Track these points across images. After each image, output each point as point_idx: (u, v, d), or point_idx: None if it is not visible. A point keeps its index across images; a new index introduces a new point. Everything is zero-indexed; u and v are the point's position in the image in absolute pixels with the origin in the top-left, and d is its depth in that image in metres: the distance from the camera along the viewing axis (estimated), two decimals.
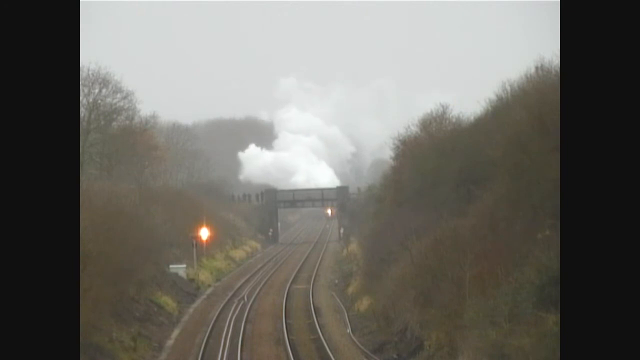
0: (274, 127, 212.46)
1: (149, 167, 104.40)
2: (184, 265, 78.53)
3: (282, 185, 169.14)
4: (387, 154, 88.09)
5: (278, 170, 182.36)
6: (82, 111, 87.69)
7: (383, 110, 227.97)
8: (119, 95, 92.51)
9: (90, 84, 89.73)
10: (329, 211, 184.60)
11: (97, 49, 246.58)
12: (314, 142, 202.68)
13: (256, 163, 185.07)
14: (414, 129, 73.20)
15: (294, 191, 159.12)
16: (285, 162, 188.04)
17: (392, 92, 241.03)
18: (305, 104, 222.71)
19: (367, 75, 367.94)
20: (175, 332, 54.57)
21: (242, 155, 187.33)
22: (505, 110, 49.75)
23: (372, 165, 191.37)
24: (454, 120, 69.56)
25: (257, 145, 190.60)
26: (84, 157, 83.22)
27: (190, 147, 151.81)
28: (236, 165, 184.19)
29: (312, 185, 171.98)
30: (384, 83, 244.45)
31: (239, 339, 49.05)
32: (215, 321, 57.05)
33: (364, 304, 59.36)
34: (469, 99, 75.56)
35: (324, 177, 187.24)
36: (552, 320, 29.18)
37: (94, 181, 70.59)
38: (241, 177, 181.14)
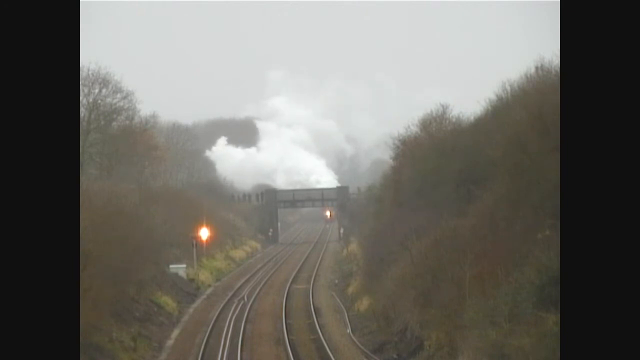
0: (262, 120, 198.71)
1: (149, 167, 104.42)
2: (184, 265, 78.53)
3: (262, 186, 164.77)
4: (384, 152, 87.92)
5: (250, 171, 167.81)
6: (82, 111, 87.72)
7: (382, 109, 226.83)
8: (119, 95, 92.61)
9: (90, 84, 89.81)
10: (327, 213, 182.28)
11: (97, 49, 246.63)
12: (300, 134, 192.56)
13: (231, 162, 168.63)
14: (414, 129, 73.23)
15: (294, 191, 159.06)
16: (259, 161, 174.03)
17: (392, 92, 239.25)
18: (301, 101, 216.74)
19: (367, 75, 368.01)
20: (175, 332, 54.57)
21: (211, 154, 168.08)
22: (505, 110, 49.76)
23: (372, 164, 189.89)
24: (454, 120, 69.58)
25: (228, 142, 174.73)
26: (84, 157, 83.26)
27: (190, 147, 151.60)
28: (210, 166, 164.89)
29: (296, 184, 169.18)
30: (383, 81, 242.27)
31: (239, 339, 49.06)
32: (215, 321, 57.05)
33: (364, 304, 59.36)
34: (469, 99, 75.52)
35: (307, 164, 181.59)
36: (552, 320, 29.19)
37: (94, 181, 70.60)
38: (222, 179, 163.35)
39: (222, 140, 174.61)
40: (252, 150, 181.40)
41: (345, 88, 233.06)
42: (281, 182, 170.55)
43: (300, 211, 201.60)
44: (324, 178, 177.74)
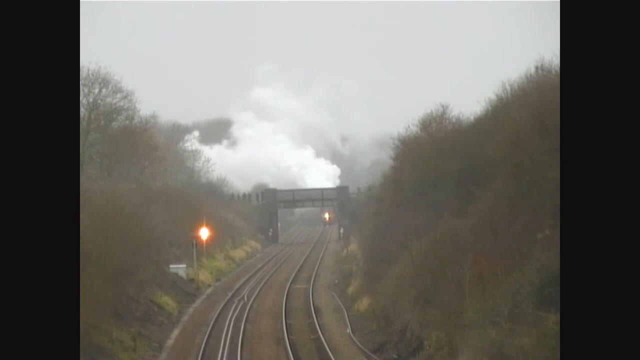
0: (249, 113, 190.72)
1: (149, 167, 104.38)
2: (184, 265, 78.55)
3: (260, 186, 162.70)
4: (379, 151, 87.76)
5: (228, 170, 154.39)
6: (82, 111, 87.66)
7: (380, 108, 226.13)
8: (119, 95, 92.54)
9: (90, 84, 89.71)
10: (326, 215, 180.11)
11: (97, 49, 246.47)
12: (287, 126, 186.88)
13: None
14: (414, 128, 73.20)
15: (294, 191, 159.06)
16: (233, 160, 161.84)
17: (389, 90, 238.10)
18: (296, 97, 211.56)
19: (366, 74, 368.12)
20: (175, 332, 54.56)
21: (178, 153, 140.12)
22: (505, 110, 49.77)
23: (372, 165, 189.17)
24: (454, 120, 69.54)
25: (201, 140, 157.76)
26: (84, 157, 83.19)
27: (190, 147, 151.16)
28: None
29: (285, 183, 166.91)
30: (382, 80, 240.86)
31: (239, 339, 49.05)
32: (215, 321, 57.04)
33: (364, 304, 59.37)
34: (468, 99, 75.53)
35: (288, 156, 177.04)
36: (552, 320, 29.20)
37: (94, 181, 70.56)
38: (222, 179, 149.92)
39: (191, 137, 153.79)
40: (224, 148, 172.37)
41: (342, 86, 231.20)
42: (270, 182, 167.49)
43: (297, 213, 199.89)
44: (313, 169, 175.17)
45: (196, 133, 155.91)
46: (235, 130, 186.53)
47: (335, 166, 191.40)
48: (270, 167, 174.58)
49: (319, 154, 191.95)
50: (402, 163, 71.66)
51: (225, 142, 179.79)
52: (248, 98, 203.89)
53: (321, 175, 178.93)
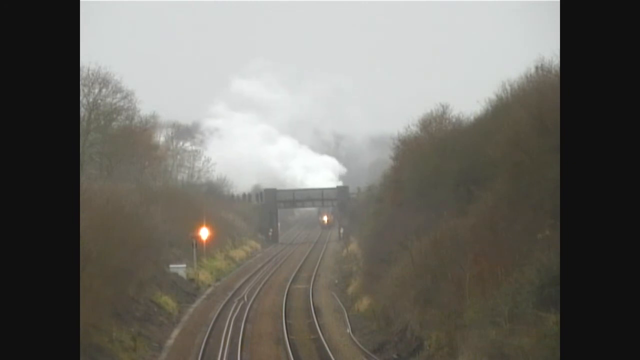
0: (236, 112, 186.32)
1: (149, 167, 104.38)
2: (184, 265, 78.54)
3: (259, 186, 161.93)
4: (373, 151, 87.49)
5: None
6: (82, 111, 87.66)
7: (379, 109, 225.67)
8: (119, 95, 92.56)
9: (90, 84, 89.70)
10: (325, 218, 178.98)
11: (97, 49, 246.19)
12: (275, 121, 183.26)
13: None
14: (414, 128, 73.17)
15: (294, 191, 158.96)
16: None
17: (388, 91, 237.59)
18: (294, 95, 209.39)
19: (367, 75, 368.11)
20: (175, 332, 54.56)
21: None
22: (505, 110, 49.78)
23: (372, 165, 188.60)
24: (454, 120, 69.53)
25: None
26: (84, 157, 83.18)
27: (190, 146, 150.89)
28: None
29: (267, 177, 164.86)
30: (380, 80, 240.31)
31: (239, 338, 49.05)
32: (215, 321, 57.04)
33: (364, 304, 59.37)
34: (468, 99, 75.47)
35: (267, 154, 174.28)
36: (552, 320, 29.21)
37: (94, 181, 70.54)
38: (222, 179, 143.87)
39: (162, 134, 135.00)
40: (197, 143, 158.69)
41: (340, 85, 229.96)
42: (252, 176, 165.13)
43: (297, 213, 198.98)
44: (297, 160, 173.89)
45: (169, 130, 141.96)
46: (211, 122, 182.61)
47: (335, 160, 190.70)
48: (252, 162, 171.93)
49: (305, 148, 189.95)
50: (402, 163, 71.67)
51: (198, 136, 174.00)
52: (237, 93, 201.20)
53: (305, 163, 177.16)
